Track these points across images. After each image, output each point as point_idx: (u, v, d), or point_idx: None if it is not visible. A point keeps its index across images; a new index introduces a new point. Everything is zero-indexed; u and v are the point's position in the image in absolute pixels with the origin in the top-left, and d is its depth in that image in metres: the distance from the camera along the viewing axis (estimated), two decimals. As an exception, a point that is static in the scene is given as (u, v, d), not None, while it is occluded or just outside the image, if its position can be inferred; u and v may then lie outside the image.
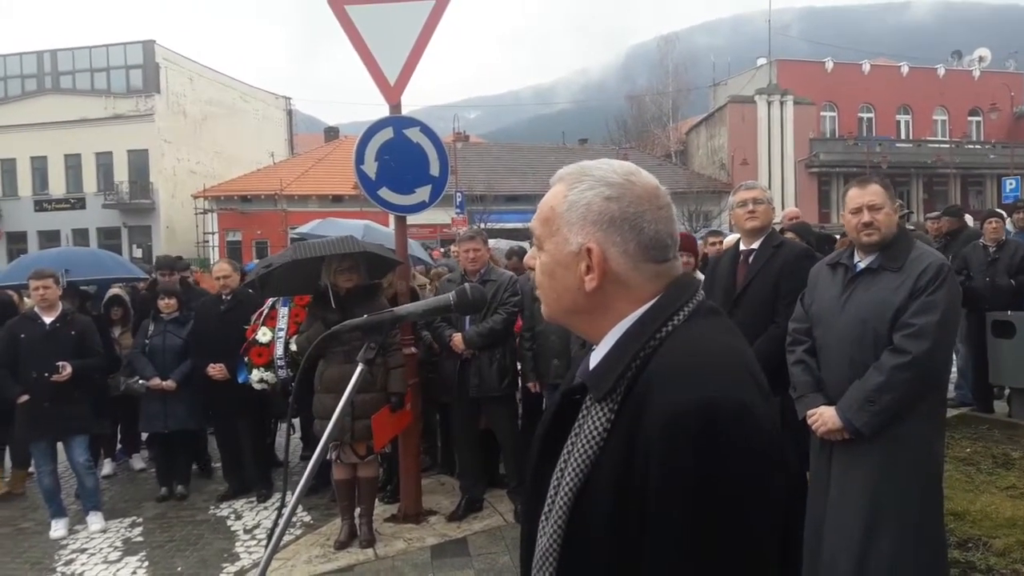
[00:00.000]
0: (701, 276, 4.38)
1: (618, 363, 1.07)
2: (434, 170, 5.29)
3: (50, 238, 33.32)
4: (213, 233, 32.61)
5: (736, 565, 0.92)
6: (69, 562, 5.05)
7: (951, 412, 5.97)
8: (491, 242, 8.00)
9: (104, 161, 35.10)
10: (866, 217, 2.98)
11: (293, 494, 1.57)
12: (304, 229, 8.35)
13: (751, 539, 0.92)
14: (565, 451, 1.11)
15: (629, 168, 1.16)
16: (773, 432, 0.98)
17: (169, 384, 6.00)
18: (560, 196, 1.17)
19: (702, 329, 1.08)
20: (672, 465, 0.93)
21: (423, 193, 5.28)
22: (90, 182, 35.39)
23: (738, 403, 0.95)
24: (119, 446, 7.33)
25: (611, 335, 1.13)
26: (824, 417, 2.96)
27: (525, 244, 8.81)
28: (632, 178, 1.14)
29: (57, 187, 35.70)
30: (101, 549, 5.25)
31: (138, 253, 31.97)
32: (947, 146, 35.74)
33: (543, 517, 1.13)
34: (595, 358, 1.14)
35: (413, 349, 5.25)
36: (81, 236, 33.91)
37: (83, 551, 5.23)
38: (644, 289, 1.12)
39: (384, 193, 5.20)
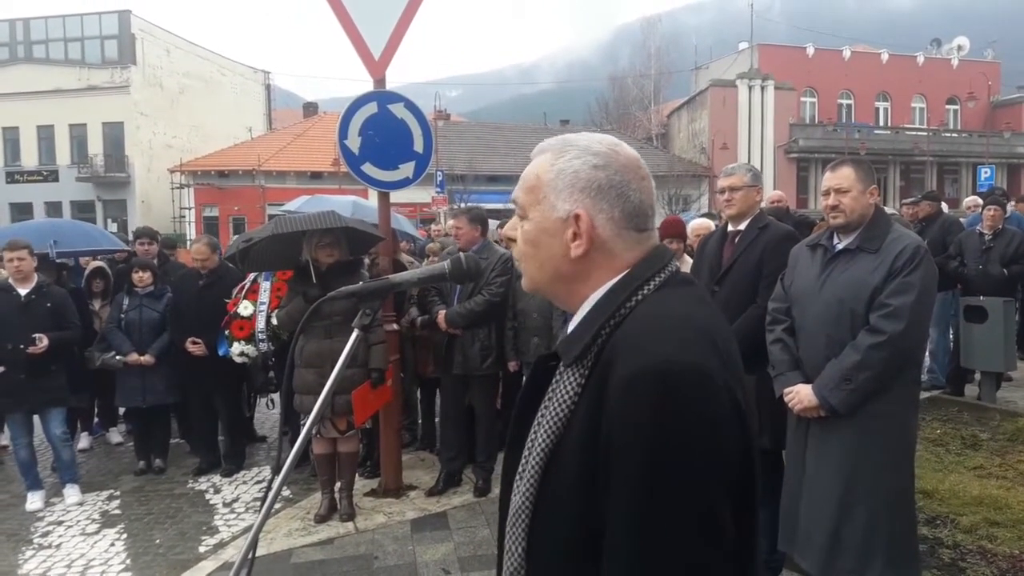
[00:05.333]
0: (690, 260, 4.42)
1: (587, 331, 1.11)
2: (418, 146, 5.27)
3: (22, 211, 32.65)
4: (189, 208, 32.21)
5: (687, 520, 0.95)
6: (46, 534, 5.03)
7: (923, 395, 6.09)
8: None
9: (78, 133, 34.44)
10: (832, 200, 3.06)
11: (281, 470, 1.58)
12: (291, 206, 8.25)
13: (703, 498, 0.96)
14: (539, 414, 1.15)
15: (611, 140, 1.20)
16: (731, 401, 1.01)
17: (147, 359, 5.95)
18: (547, 165, 1.19)
19: (670, 298, 1.12)
20: (629, 424, 0.97)
21: (407, 169, 5.26)
22: (63, 154, 34.69)
23: (692, 366, 0.98)
24: (96, 419, 7.28)
25: (587, 303, 1.17)
26: (801, 395, 3.01)
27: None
28: (616, 148, 1.19)
29: (29, 159, 34.96)
30: (78, 521, 5.23)
31: (113, 227, 31.44)
32: (925, 134, 36.08)
33: (517, 476, 1.16)
34: (572, 326, 1.18)
35: (395, 326, 5.25)
36: (54, 209, 33.27)
37: (60, 523, 5.21)
38: (623, 258, 1.16)
39: (367, 169, 5.17)
